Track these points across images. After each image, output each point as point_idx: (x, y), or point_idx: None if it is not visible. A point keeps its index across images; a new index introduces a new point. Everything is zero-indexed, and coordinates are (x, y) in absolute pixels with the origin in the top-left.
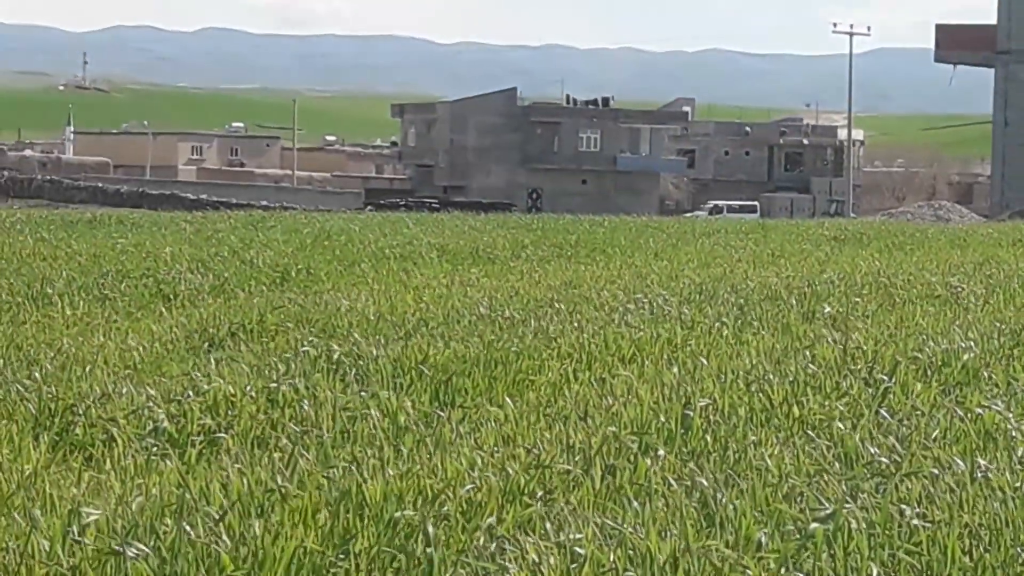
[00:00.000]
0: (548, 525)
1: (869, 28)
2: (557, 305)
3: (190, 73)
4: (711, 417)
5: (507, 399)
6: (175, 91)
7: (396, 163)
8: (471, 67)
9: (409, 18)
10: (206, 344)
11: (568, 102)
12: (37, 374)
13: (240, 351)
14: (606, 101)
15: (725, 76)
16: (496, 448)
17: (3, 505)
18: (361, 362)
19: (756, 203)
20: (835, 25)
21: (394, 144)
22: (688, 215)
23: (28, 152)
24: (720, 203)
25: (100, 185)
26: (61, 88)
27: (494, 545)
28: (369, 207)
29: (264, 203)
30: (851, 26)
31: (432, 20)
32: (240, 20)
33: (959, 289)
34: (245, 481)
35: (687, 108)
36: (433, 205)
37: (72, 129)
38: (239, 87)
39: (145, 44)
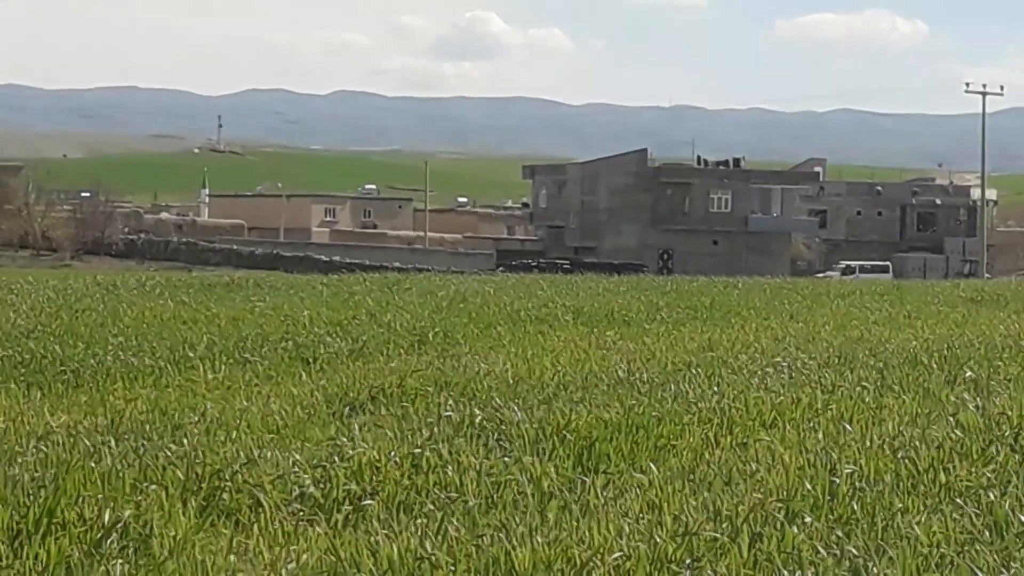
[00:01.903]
0: None
1: (1002, 88)
2: (695, 369)
3: (322, 136)
4: (857, 484)
5: (650, 464)
6: (308, 154)
7: (527, 224)
8: (601, 128)
9: (539, 80)
10: (347, 408)
11: (699, 163)
12: (185, 439)
13: (381, 415)
14: (736, 162)
15: (855, 136)
16: (642, 515)
17: (157, 572)
18: (503, 427)
19: (888, 263)
20: (967, 85)
21: (525, 205)
22: (820, 276)
23: (164, 215)
24: (852, 264)
25: (235, 247)
26: (196, 151)
27: None
28: (501, 268)
29: (397, 265)
30: (984, 85)
31: (562, 82)
32: (371, 83)
33: None
34: (395, 548)
35: (818, 168)
36: (565, 266)
37: (207, 192)
38: (371, 149)
39: (278, 107)
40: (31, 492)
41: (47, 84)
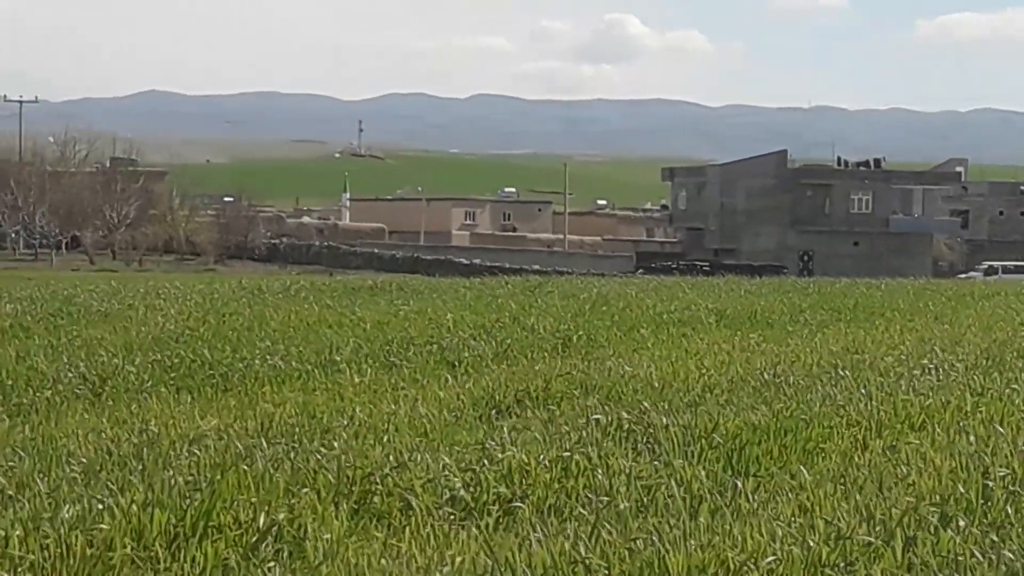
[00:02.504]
0: None
1: None
2: (841, 371)
3: (462, 139)
4: (1011, 487)
5: (800, 468)
6: (447, 157)
7: (666, 226)
8: (740, 130)
9: (678, 82)
10: (493, 411)
11: (839, 164)
12: (335, 443)
13: (527, 418)
14: (877, 162)
15: (998, 135)
16: (794, 518)
17: (313, 574)
18: (651, 430)
19: None
20: None
21: (664, 207)
22: (963, 277)
23: (306, 219)
24: (995, 264)
25: (375, 251)
26: (337, 156)
27: None
28: (640, 270)
29: (536, 267)
30: None
31: (701, 84)
32: (510, 87)
33: None
34: (548, 551)
35: (960, 168)
36: (704, 268)
37: (348, 196)
38: (510, 153)
39: (418, 112)
40: (187, 495)
41: (190, 90)
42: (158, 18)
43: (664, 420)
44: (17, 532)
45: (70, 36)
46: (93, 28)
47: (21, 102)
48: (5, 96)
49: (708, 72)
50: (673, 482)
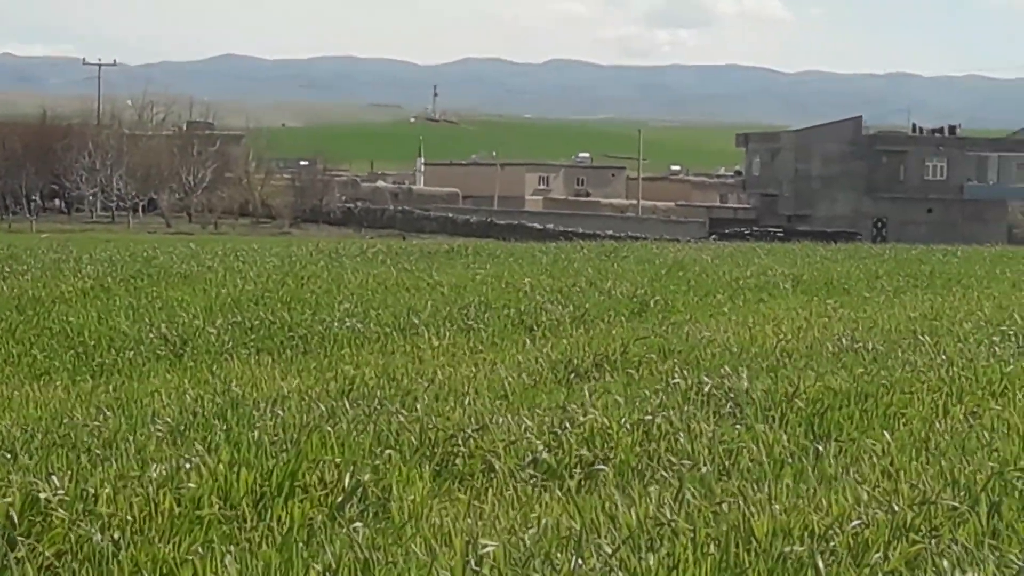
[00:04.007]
0: (945, 562)
1: None
2: (920, 337)
3: (537, 104)
4: None
5: (883, 433)
6: (522, 122)
7: (740, 192)
8: (815, 96)
9: (753, 48)
10: (572, 375)
11: (914, 130)
12: (417, 405)
13: (606, 381)
14: (952, 129)
15: None
16: (878, 483)
17: (396, 535)
18: (732, 394)
19: None
20: None
21: (738, 173)
22: None
23: (380, 183)
24: None
25: (450, 215)
26: (412, 120)
27: None
28: (714, 236)
29: (610, 233)
30: None
31: (777, 49)
32: (586, 52)
33: None
34: (633, 513)
35: None
36: (778, 234)
37: (423, 160)
38: (585, 118)
39: (494, 76)
40: (273, 456)
41: (267, 54)
42: None
43: (745, 384)
44: (106, 490)
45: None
46: None
47: (100, 65)
48: (84, 59)
49: (784, 38)
50: (756, 446)
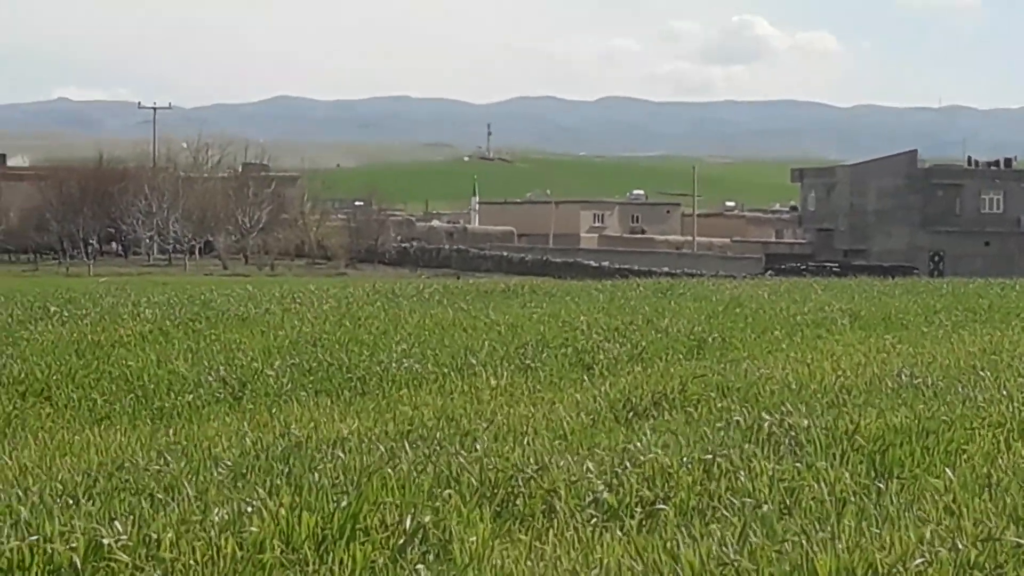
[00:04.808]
0: None
1: None
2: (980, 372)
3: (591, 142)
4: None
5: (945, 470)
6: (576, 160)
7: (796, 227)
8: (870, 130)
9: (807, 82)
10: (630, 413)
11: (970, 163)
12: (476, 445)
13: (665, 420)
14: (1008, 162)
15: None
16: (941, 520)
17: None
18: (792, 432)
19: None
20: None
21: (794, 209)
22: None
23: (435, 223)
24: None
25: (505, 254)
26: (466, 159)
27: None
28: (770, 272)
29: (666, 270)
30: None
31: (830, 84)
32: (639, 89)
33: None
34: (695, 553)
35: None
36: (834, 269)
37: (477, 199)
38: (639, 155)
39: (547, 114)
40: (334, 498)
41: (321, 95)
42: (289, 23)
43: (805, 422)
44: (168, 535)
45: (202, 42)
46: (224, 34)
47: (155, 108)
48: (139, 103)
49: (838, 72)
50: (817, 484)
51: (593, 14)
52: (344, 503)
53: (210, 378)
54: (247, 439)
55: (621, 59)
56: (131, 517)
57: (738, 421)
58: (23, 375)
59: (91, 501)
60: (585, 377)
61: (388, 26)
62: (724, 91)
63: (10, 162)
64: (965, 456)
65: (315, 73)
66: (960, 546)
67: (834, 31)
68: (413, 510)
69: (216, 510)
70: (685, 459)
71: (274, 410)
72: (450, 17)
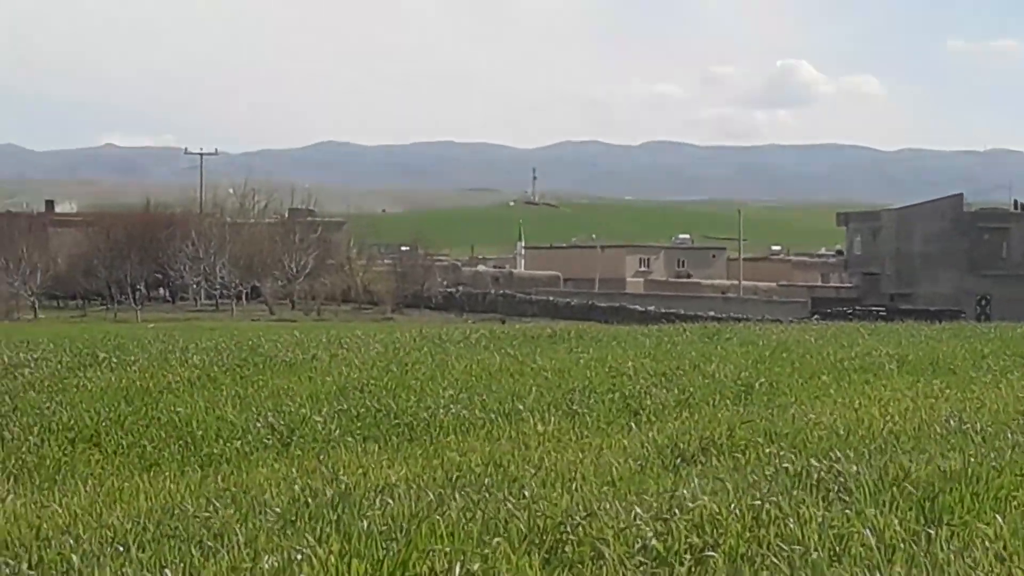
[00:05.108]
0: None
1: None
2: None
3: (635, 186)
4: None
5: (995, 516)
6: (621, 204)
7: (842, 271)
8: (914, 174)
9: (852, 126)
10: (678, 459)
11: (1015, 207)
12: (524, 492)
13: (713, 466)
14: None
15: None
16: (992, 568)
17: None
18: (841, 478)
19: None
20: None
21: (839, 253)
22: None
23: (481, 267)
24: None
25: (550, 298)
26: (511, 204)
27: None
28: (816, 316)
29: (712, 314)
30: None
31: (875, 128)
32: (683, 133)
33: None
34: None
35: None
36: (880, 313)
37: (523, 244)
38: (684, 199)
39: (591, 159)
40: (383, 545)
41: (366, 140)
42: (335, 70)
43: (854, 468)
44: None
45: (249, 89)
46: (270, 81)
47: (201, 154)
48: (186, 149)
49: (882, 116)
50: (866, 531)
51: (638, 59)
52: (393, 550)
53: (258, 424)
54: (295, 485)
55: (665, 104)
56: (182, 565)
57: (787, 467)
58: (72, 421)
59: (141, 549)
60: (632, 423)
61: (433, 72)
62: (768, 135)
63: (58, 208)
64: (1015, 503)
65: (361, 119)
66: None
67: (878, 75)
68: (462, 557)
69: (266, 558)
70: (734, 505)
71: (322, 456)
72: (494, 63)
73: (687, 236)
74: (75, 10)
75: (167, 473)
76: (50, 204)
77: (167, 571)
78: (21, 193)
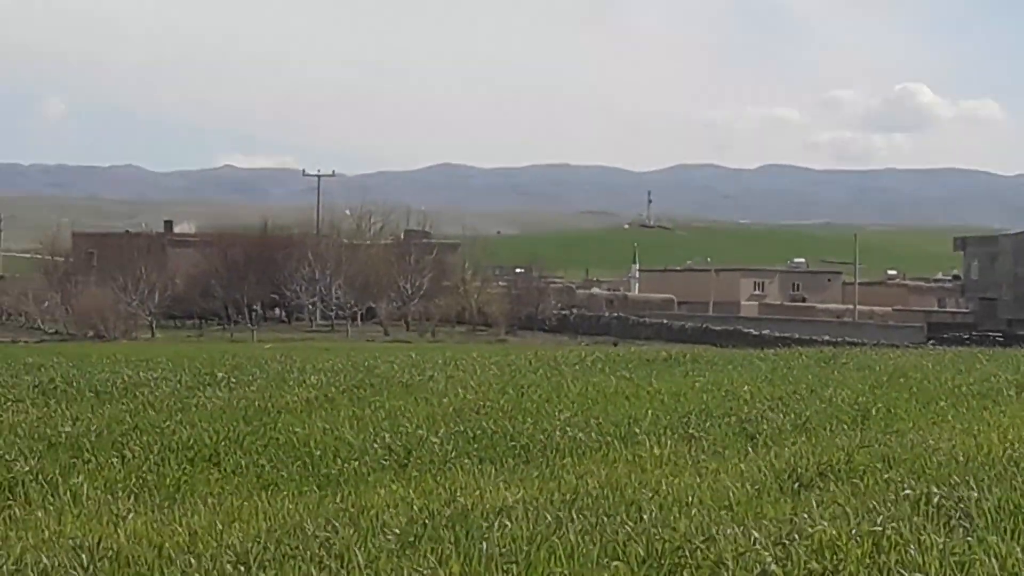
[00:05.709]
0: None
1: None
2: None
3: (751, 210)
4: None
5: None
6: (736, 228)
7: (958, 296)
8: None
9: (970, 150)
10: (796, 484)
11: None
12: (643, 515)
13: (831, 492)
14: None
15: None
16: None
17: None
18: (961, 505)
19: None
20: None
21: (956, 278)
22: None
23: (595, 290)
24: None
25: (664, 321)
26: (626, 227)
27: None
28: (932, 341)
29: (827, 338)
30: None
31: (994, 152)
32: (799, 156)
33: None
34: None
35: None
36: (998, 339)
37: (637, 267)
38: (800, 223)
39: (707, 182)
40: (503, 568)
41: (482, 163)
42: (452, 93)
43: (975, 494)
44: None
45: (366, 111)
46: (388, 103)
47: (319, 176)
48: (304, 170)
49: (1002, 140)
50: (988, 558)
51: (754, 83)
52: (513, 572)
53: (376, 445)
54: (414, 506)
55: (782, 127)
56: None
57: (907, 493)
58: (192, 440)
59: (263, 568)
60: (749, 447)
61: (548, 95)
62: (886, 159)
63: (177, 229)
64: None
65: (477, 141)
66: None
67: (998, 98)
68: None
69: None
70: (854, 531)
71: (439, 477)
72: (610, 85)
73: (802, 260)
74: (195, 36)
75: (285, 493)
76: (169, 224)
77: None
78: (141, 214)
